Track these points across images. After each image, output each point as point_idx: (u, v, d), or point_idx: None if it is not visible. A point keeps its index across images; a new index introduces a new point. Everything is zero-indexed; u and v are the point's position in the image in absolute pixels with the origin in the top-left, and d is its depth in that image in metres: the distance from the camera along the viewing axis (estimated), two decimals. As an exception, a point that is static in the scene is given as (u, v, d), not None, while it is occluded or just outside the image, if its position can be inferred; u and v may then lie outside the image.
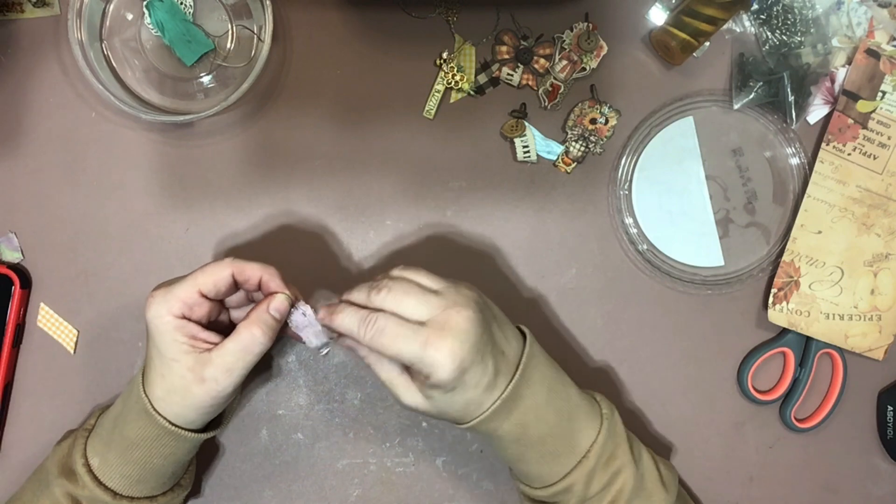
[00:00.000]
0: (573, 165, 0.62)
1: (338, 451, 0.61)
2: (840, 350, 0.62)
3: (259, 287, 0.50)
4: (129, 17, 0.59)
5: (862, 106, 0.60)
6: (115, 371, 0.60)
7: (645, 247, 0.61)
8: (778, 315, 0.61)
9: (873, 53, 0.60)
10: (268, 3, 0.55)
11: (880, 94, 0.60)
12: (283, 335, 0.51)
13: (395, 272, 0.49)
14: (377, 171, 0.61)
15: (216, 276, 0.48)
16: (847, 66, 0.61)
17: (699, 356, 0.62)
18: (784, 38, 0.61)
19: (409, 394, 0.48)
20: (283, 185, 0.61)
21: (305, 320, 0.50)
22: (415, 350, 0.45)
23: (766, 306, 0.61)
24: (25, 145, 0.60)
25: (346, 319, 0.47)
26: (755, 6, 0.60)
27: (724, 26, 0.60)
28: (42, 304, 0.60)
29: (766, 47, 0.61)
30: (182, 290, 0.47)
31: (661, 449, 0.62)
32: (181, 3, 0.58)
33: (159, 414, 0.48)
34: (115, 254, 0.60)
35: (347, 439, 0.61)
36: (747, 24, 0.61)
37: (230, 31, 0.59)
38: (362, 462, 0.61)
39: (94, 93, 0.58)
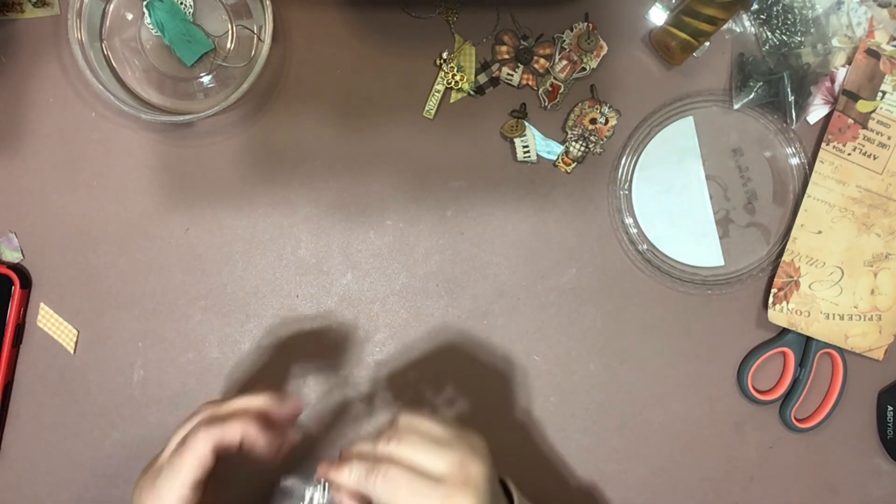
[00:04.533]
0: (573, 165, 0.62)
1: (338, 450, 0.61)
2: (840, 350, 0.62)
3: (240, 447, 0.47)
4: (129, 17, 0.59)
5: (862, 106, 0.60)
6: (115, 371, 0.60)
7: (645, 247, 0.61)
8: (778, 315, 0.61)
9: (873, 53, 0.60)
10: (268, 3, 0.55)
11: (880, 94, 0.60)
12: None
13: (402, 421, 0.46)
14: (377, 171, 0.61)
15: (200, 463, 0.45)
16: (847, 66, 0.61)
17: (699, 356, 0.62)
18: (784, 38, 0.61)
19: None
20: (283, 185, 0.61)
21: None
22: None
23: (766, 306, 0.61)
24: (25, 145, 0.60)
25: (354, 471, 0.44)
26: (755, 6, 0.60)
27: (724, 26, 0.60)
28: (42, 304, 0.60)
29: (766, 47, 0.61)
30: (173, 492, 0.44)
31: (661, 449, 0.62)
32: (181, 3, 0.58)
33: None
34: (115, 254, 0.60)
35: (348, 439, 0.61)
36: (747, 24, 0.61)
37: (230, 31, 0.59)
38: (362, 462, 0.61)
39: (94, 93, 0.58)
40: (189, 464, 0.45)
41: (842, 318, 0.61)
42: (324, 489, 0.47)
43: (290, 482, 0.47)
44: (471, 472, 0.43)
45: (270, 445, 0.47)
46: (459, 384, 0.62)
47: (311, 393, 0.61)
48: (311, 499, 0.48)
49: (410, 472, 0.43)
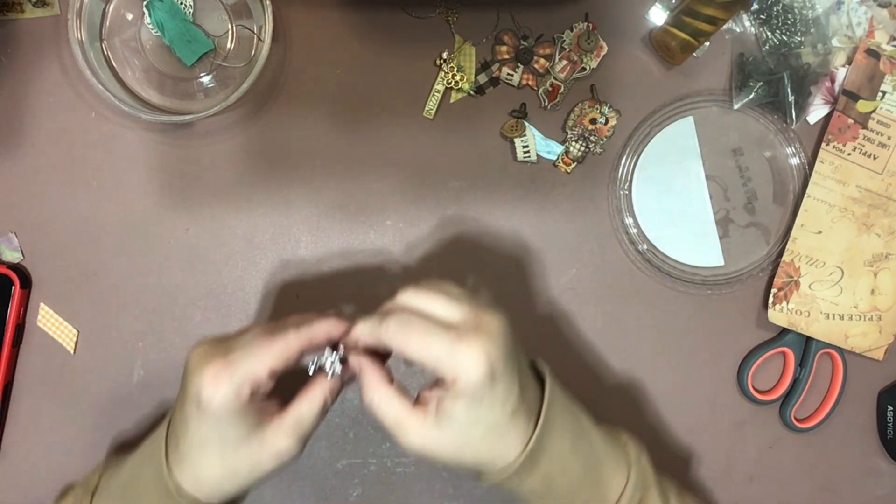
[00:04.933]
0: (573, 165, 0.62)
1: (338, 451, 0.61)
2: (840, 350, 0.62)
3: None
4: (129, 17, 0.59)
5: (862, 106, 0.60)
6: (115, 371, 0.60)
7: (645, 247, 0.61)
8: (778, 315, 0.61)
9: (873, 53, 0.60)
10: (268, 3, 0.55)
11: (880, 94, 0.60)
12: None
13: (420, 283, 0.45)
14: (377, 171, 0.61)
15: (287, 354, 0.43)
16: (847, 66, 0.61)
17: (699, 356, 0.62)
18: (784, 38, 0.61)
19: (421, 430, 0.42)
20: (283, 185, 0.61)
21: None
22: (444, 347, 0.40)
23: (766, 306, 0.61)
24: (25, 145, 0.60)
25: (367, 322, 0.43)
26: (755, 6, 0.60)
27: (724, 26, 0.60)
28: (42, 304, 0.60)
29: (766, 47, 0.61)
30: (252, 368, 0.41)
31: (661, 449, 0.62)
32: (181, 3, 0.58)
33: (188, 496, 0.43)
34: (115, 254, 0.60)
35: (347, 439, 0.61)
36: (747, 24, 0.61)
37: (230, 31, 0.59)
38: (362, 462, 0.61)
39: (94, 93, 0.58)
40: (277, 351, 0.42)
41: (842, 318, 0.61)
42: (335, 353, 0.45)
43: (303, 359, 0.46)
44: (484, 320, 0.42)
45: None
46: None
47: (311, 393, 0.61)
48: (324, 364, 0.45)
49: (423, 316, 0.42)
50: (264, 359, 0.42)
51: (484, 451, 0.42)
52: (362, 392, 0.44)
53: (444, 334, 0.41)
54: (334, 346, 0.45)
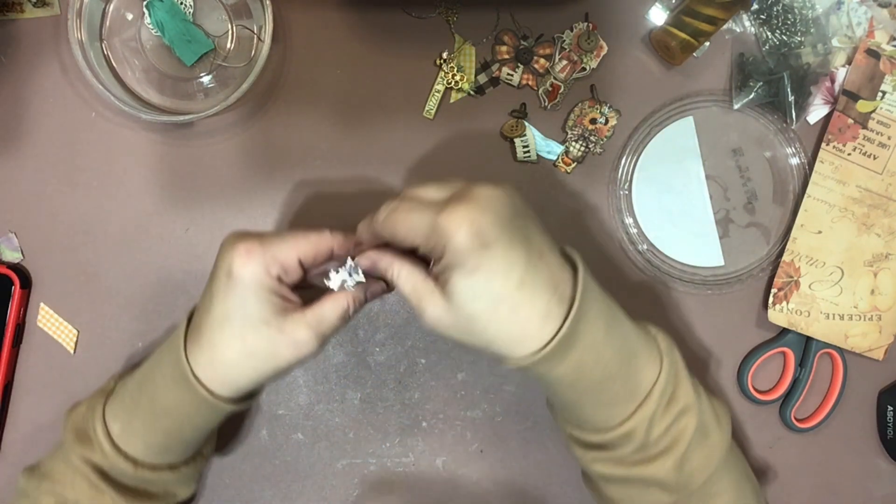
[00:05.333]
0: (573, 165, 0.62)
1: (338, 451, 0.61)
2: (840, 350, 0.62)
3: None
4: (129, 17, 0.59)
5: (862, 106, 0.60)
6: (114, 371, 0.60)
7: (645, 247, 0.61)
8: (778, 315, 0.61)
9: (873, 53, 0.60)
10: (268, 3, 0.55)
11: (880, 94, 0.60)
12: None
13: None
14: (377, 172, 0.61)
15: (319, 247, 0.44)
16: (847, 66, 0.61)
17: (699, 356, 0.62)
18: (784, 38, 0.61)
19: (434, 301, 0.42)
20: (283, 185, 0.61)
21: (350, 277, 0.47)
22: (427, 220, 0.40)
23: (766, 306, 0.61)
24: (25, 145, 0.60)
25: (363, 223, 0.45)
26: (755, 6, 0.60)
27: (724, 26, 0.60)
28: (42, 304, 0.60)
29: (766, 47, 0.61)
30: (283, 252, 0.43)
31: (661, 449, 0.62)
32: (181, 3, 0.58)
33: (201, 384, 0.45)
34: (115, 254, 0.60)
35: (347, 439, 0.61)
36: (747, 24, 0.61)
37: (230, 31, 0.59)
38: (362, 462, 0.61)
39: (94, 93, 0.58)
40: (312, 241, 0.44)
41: (842, 318, 0.61)
42: (345, 265, 0.46)
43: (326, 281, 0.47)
44: (473, 190, 0.40)
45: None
46: (459, 384, 0.62)
47: (310, 394, 0.61)
48: (336, 277, 0.46)
49: (414, 200, 0.42)
50: (296, 246, 0.44)
51: (494, 329, 0.41)
52: (389, 278, 0.45)
53: (427, 210, 0.41)
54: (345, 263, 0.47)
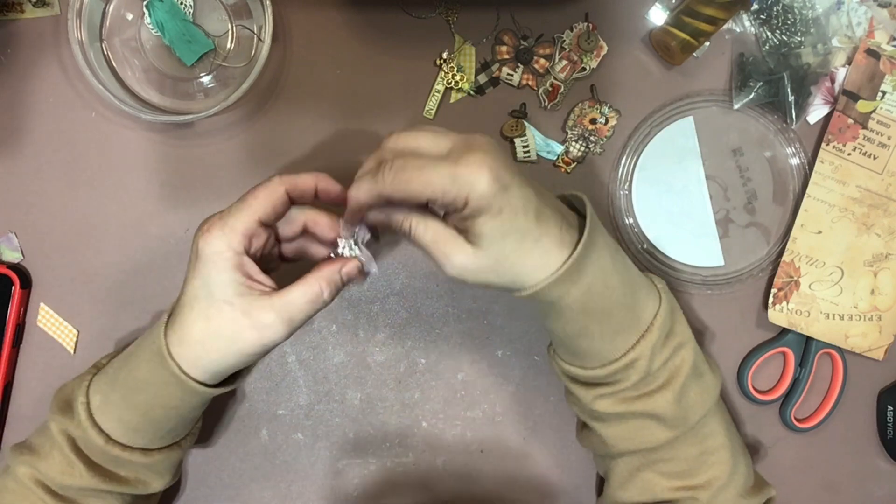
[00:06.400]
0: (573, 165, 0.62)
1: (338, 451, 0.61)
2: (840, 350, 0.62)
3: (316, 196, 0.47)
4: (129, 17, 0.59)
5: (862, 106, 0.60)
6: (115, 371, 0.60)
7: (645, 247, 0.61)
8: (778, 315, 0.61)
9: (873, 53, 0.60)
10: (268, 3, 0.55)
11: (880, 94, 0.60)
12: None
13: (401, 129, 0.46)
14: (377, 171, 0.61)
15: (273, 199, 0.44)
16: (847, 66, 0.61)
17: (699, 356, 0.62)
18: (784, 38, 0.61)
19: (459, 247, 0.42)
20: (283, 185, 0.61)
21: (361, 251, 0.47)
22: (445, 174, 0.40)
23: (766, 306, 0.61)
24: (25, 145, 0.60)
25: (363, 183, 0.43)
26: (755, 6, 0.60)
27: (724, 26, 0.60)
28: (42, 304, 0.60)
29: (766, 47, 0.61)
30: (240, 220, 0.44)
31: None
32: (181, 3, 0.58)
33: (173, 359, 0.45)
34: (115, 254, 0.60)
35: (347, 439, 0.61)
36: (747, 24, 0.61)
37: (230, 31, 0.59)
38: (362, 462, 0.61)
39: (94, 93, 0.58)
40: (262, 196, 0.44)
41: (842, 318, 0.61)
42: (353, 237, 0.47)
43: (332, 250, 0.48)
44: (474, 140, 0.42)
45: (341, 194, 0.46)
46: (459, 384, 0.62)
47: (310, 394, 0.61)
48: (346, 247, 0.47)
49: (415, 155, 0.42)
50: (249, 210, 0.44)
51: (520, 262, 0.43)
52: (404, 232, 0.45)
53: (441, 163, 0.41)
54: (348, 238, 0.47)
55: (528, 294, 0.44)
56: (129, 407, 0.48)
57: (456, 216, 0.43)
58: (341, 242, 0.47)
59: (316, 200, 0.47)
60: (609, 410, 0.49)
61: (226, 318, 0.44)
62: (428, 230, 0.43)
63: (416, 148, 0.43)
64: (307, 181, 0.46)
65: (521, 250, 0.43)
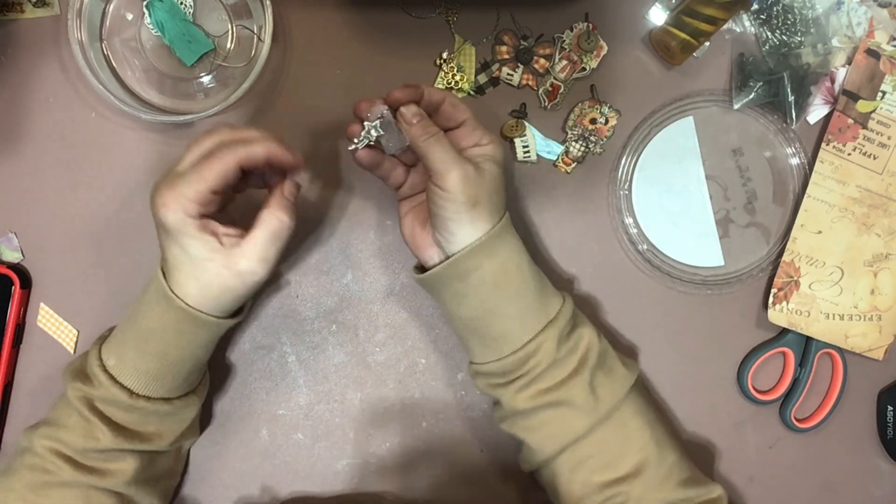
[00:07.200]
0: (573, 165, 0.62)
1: (338, 451, 0.61)
2: (840, 350, 0.62)
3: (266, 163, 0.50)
4: (129, 17, 0.59)
5: (862, 106, 0.60)
6: (115, 371, 0.60)
7: (645, 247, 0.61)
8: (778, 315, 0.61)
9: (873, 53, 0.60)
10: (268, 3, 0.55)
11: (880, 94, 0.60)
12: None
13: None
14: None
15: (225, 171, 0.47)
16: (847, 66, 0.61)
17: (699, 356, 0.62)
18: (784, 38, 0.61)
19: (464, 165, 0.49)
20: (283, 185, 0.61)
21: (387, 127, 0.51)
22: (479, 130, 0.52)
23: (766, 306, 0.61)
24: (25, 145, 0.60)
25: (402, 90, 0.50)
26: (755, 6, 0.60)
27: (724, 26, 0.60)
28: (42, 304, 0.60)
29: (766, 47, 0.61)
30: (194, 190, 0.46)
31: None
32: (181, 3, 0.58)
33: (177, 296, 0.48)
34: (115, 254, 0.60)
35: (347, 439, 0.61)
36: (747, 24, 0.61)
37: (230, 31, 0.59)
38: (362, 462, 0.61)
39: (94, 93, 0.58)
40: (215, 170, 0.47)
41: (842, 318, 0.61)
42: (377, 120, 0.50)
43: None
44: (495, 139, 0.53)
45: (294, 159, 0.50)
46: (459, 384, 0.62)
47: (310, 394, 0.61)
48: (372, 128, 0.51)
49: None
50: (204, 180, 0.46)
51: (489, 195, 0.50)
52: (413, 140, 0.50)
53: (479, 125, 0.53)
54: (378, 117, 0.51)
55: (451, 262, 0.50)
56: (144, 356, 0.50)
57: (471, 150, 0.52)
58: (367, 125, 0.50)
59: (265, 165, 0.50)
60: (529, 405, 0.52)
61: (211, 273, 0.48)
62: (438, 152, 0.49)
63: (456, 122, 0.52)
64: (258, 153, 0.48)
65: (494, 187, 0.51)
